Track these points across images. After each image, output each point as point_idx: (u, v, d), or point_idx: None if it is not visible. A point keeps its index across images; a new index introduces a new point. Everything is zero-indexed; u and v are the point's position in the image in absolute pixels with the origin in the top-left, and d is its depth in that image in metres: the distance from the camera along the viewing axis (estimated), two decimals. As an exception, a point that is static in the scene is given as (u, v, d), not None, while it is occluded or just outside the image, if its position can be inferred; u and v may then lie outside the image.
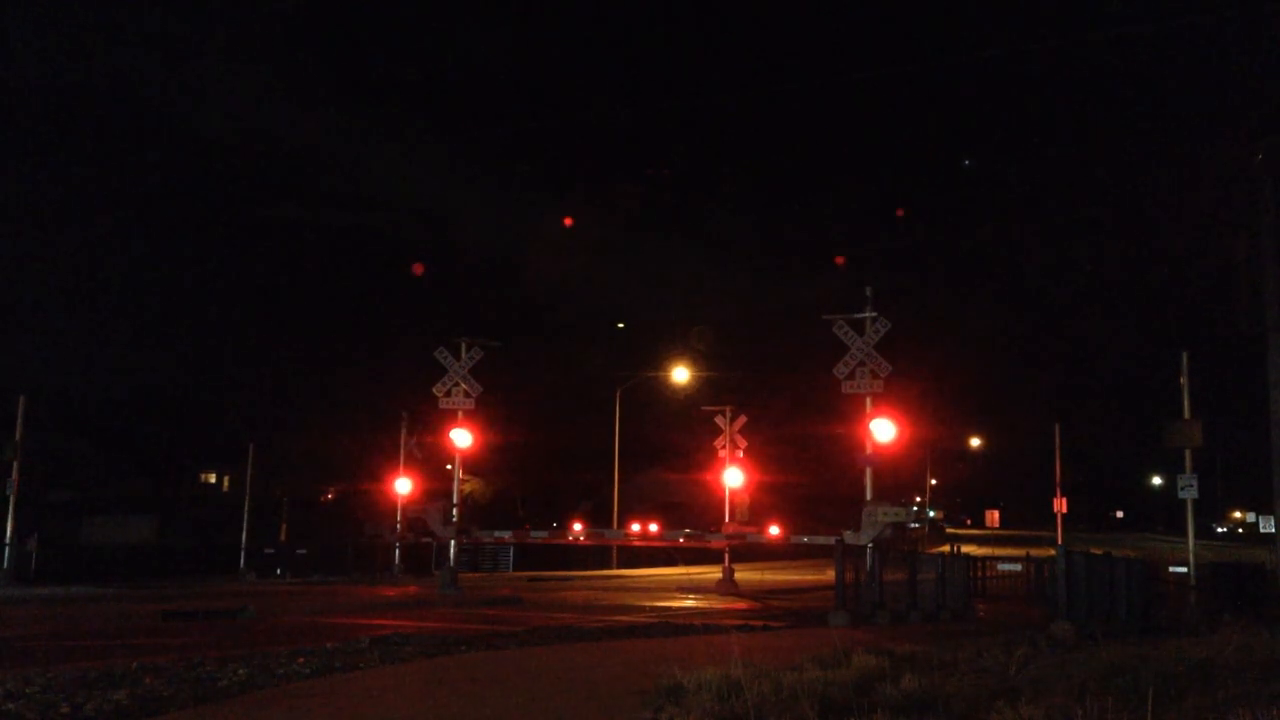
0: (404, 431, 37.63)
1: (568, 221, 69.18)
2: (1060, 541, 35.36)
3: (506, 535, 33.70)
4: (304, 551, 37.50)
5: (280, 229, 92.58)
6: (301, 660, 10.44)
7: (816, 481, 61.09)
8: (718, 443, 34.67)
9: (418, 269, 57.17)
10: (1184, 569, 26.13)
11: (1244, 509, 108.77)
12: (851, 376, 22.29)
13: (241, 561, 35.98)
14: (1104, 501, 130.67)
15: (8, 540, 29.25)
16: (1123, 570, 22.97)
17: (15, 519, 29.51)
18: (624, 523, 41.10)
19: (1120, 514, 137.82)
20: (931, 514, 79.59)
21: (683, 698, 7.17)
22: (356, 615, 19.51)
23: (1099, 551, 23.29)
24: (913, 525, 59.47)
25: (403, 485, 36.29)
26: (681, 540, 32.81)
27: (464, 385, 27.53)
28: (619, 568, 44.82)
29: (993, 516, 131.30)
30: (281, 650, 11.39)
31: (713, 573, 35.73)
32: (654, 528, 32.31)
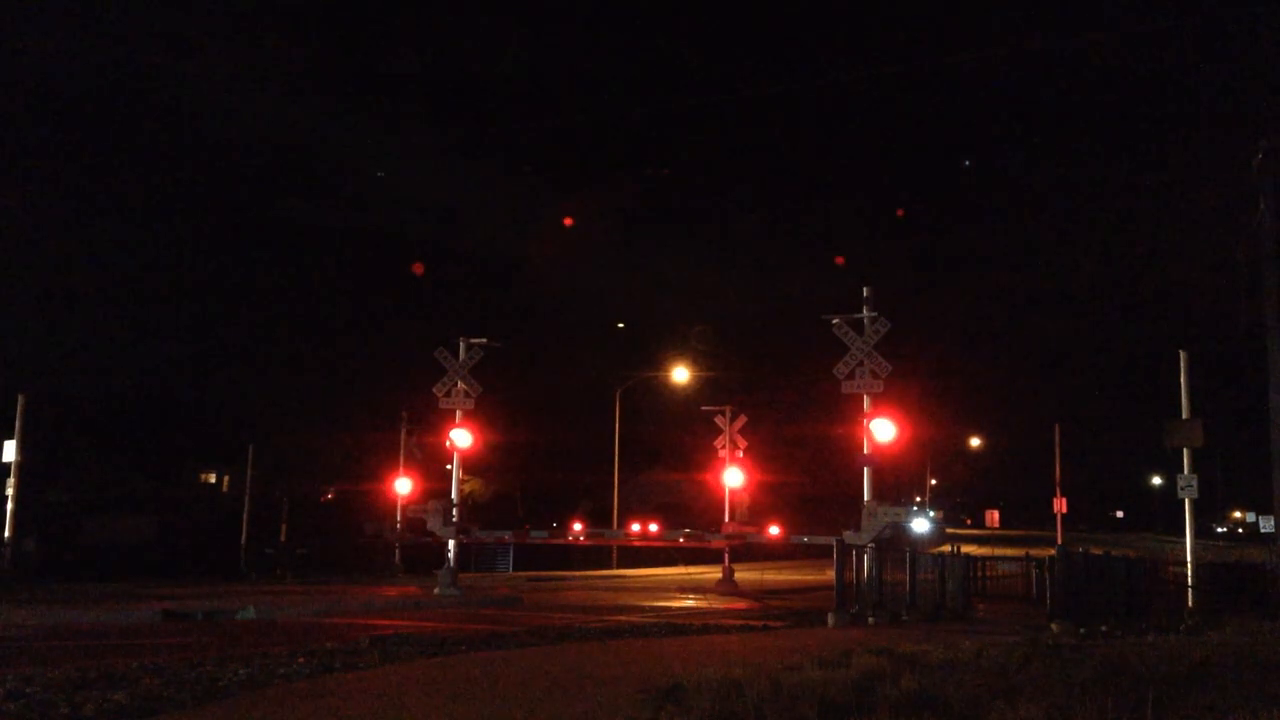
0: (404, 431, 37.65)
1: (568, 221, 69.20)
2: (1060, 541, 35.38)
3: (506, 535, 33.68)
4: (304, 551, 37.48)
5: (280, 228, 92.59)
6: (301, 660, 10.44)
7: (816, 481, 61.13)
8: (718, 443, 34.66)
9: (418, 269, 57.14)
10: (1184, 569, 26.11)
11: (1244, 509, 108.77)
12: (851, 376, 22.27)
13: (241, 561, 35.97)
14: (1104, 501, 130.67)
15: (7, 540, 29.24)
16: (1122, 570, 22.99)
17: (15, 519, 29.51)
18: (624, 523, 41.09)
19: (1120, 514, 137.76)
20: (931, 514, 79.47)
21: (683, 698, 7.17)
22: (356, 615, 19.50)
23: (1099, 551, 23.29)
24: (922, 531, 59.42)
25: (403, 485, 36.29)
26: (681, 540, 32.79)
27: (464, 385, 27.51)
28: (619, 568, 44.81)
29: (993, 516, 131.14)
30: (281, 650, 11.39)
31: (712, 573, 35.74)
32: (654, 528, 32.30)
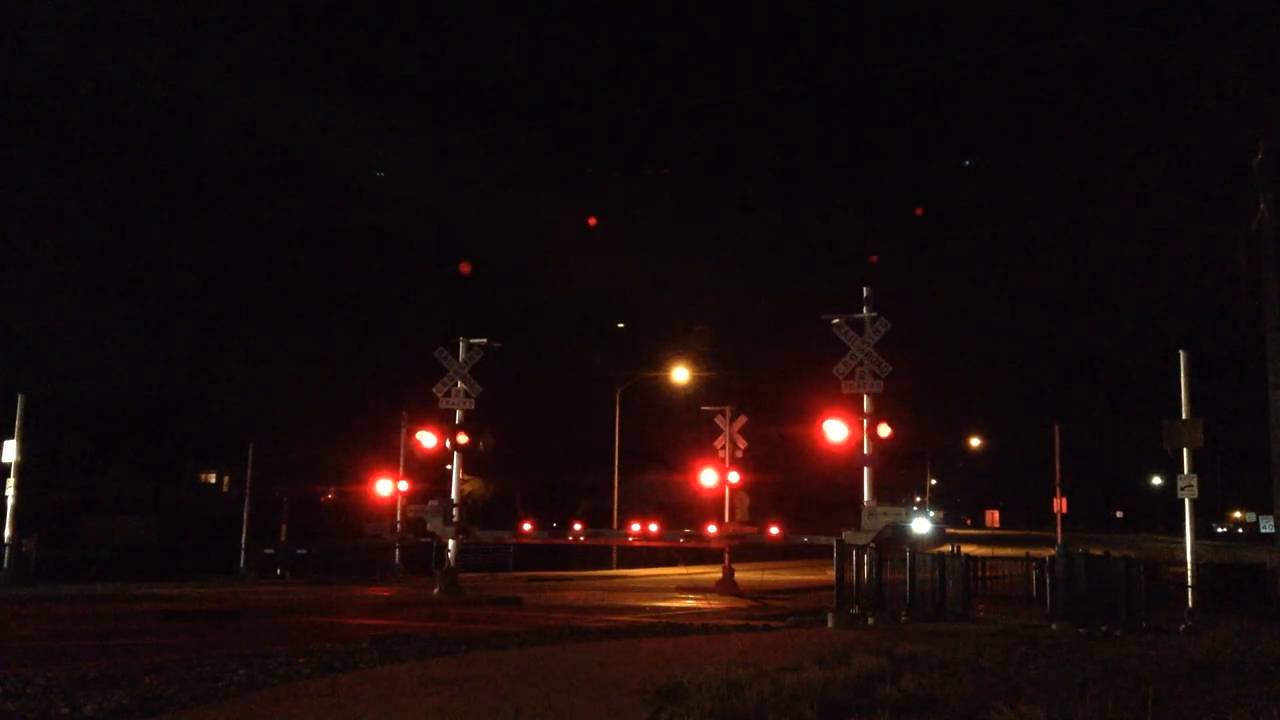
0: (404, 431, 37.62)
1: (569, 221, 69.33)
2: (1060, 541, 35.30)
3: (506, 535, 33.67)
4: (304, 552, 37.46)
5: (281, 228, 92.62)
6: (301, 660, 10.44)
7: (816, 481, 61.09)
8: (718, 443, 34.64)
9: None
10: (1184, 569, 26.06)
11: (1244, 509, 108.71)
12: (851, 376, 22.25)
13: (241, 562, 35.94)
14: (1104, 501, 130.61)
15: (7, 540, 29.22)
16: (1122, 570, 22.93)
17: (15, 519, 29.50)
18: (624, 523, 41.07)
19: (1120, 514, 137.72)
20: (931, 514, 79.42)
21: (683, 698, 7.17)
22: (356, 615, 19.50)
23: (1099, 551, 23.25)
24: (922, 531, 59.34)
25: (402, 485, 36.25)
26: (681, 540, 32.79)
27: (464, 385, 27.51)
28: (619, 568, 44.78)
29: (993, 516, 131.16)
30: (281, 650, 11.39)
31: (713, 573, 35.71)
32: (654, 528, 32.28)
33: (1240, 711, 6.27)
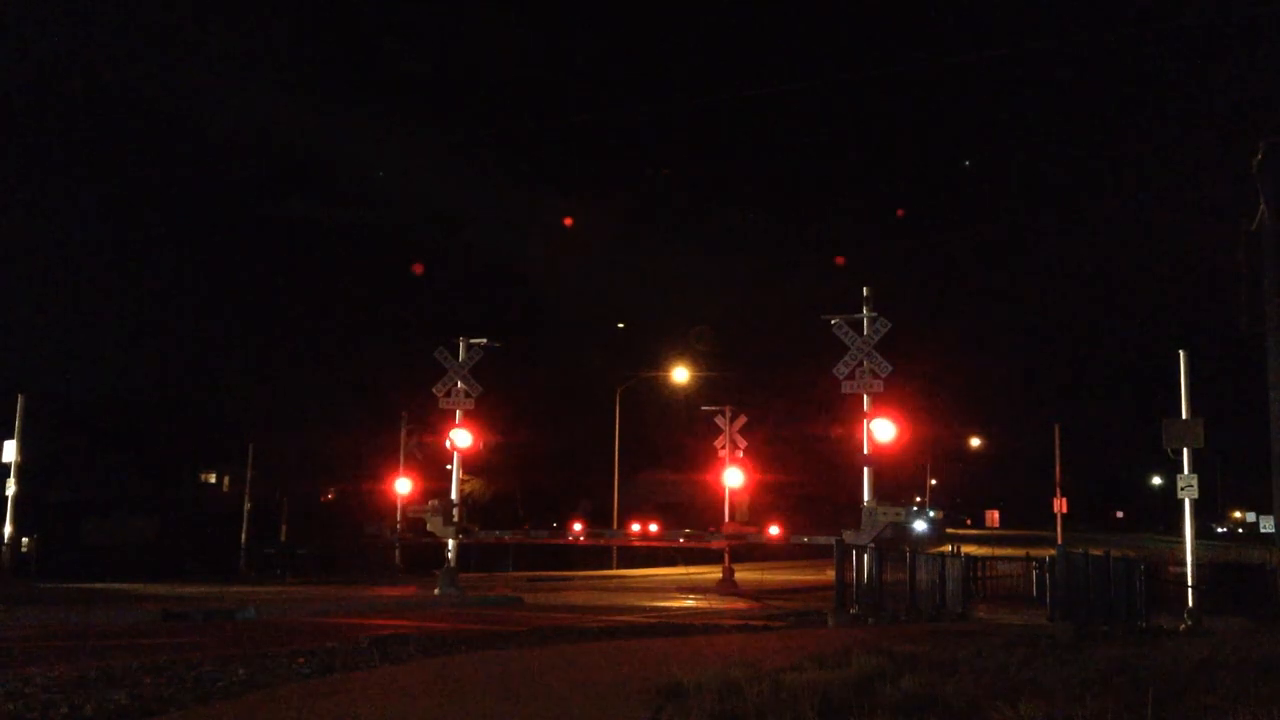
0: (404, 431, 37.65)
1: (568, 221, 69.34)
2: (1060, 542, 35.34)
3: (506, 535, 33.72)
4: (304, 551, 37.52)
5: (280, 227, 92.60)
6: (301, 660, 10.44)
7: (816, 481, 61.11)
8: (718, 443, 34.67)
9: (418, 268, 57.49)
10: (1184, 569, 26.08)
11: (1244, 509, 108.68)
12: (851, 376, 22.27)
13: (241, 561, 35.99)
14: (1104, 501, 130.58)
15: (7, 540, 29.25)
16: (1122, 570, 22.97)
17: (15, 519, 29.52)
18: (624, 523, 41.09)
19: (1120, 514, 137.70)
20: (931, 514, 79.44)
21: (683, 698, 7.16)
22: (356, 615, 19.51)
23: (1098, 552, 23.27)
24: (922, 530, 59.36)
25: (403, 485, 36.27)
26: (681, 540, 32.84)
27: (464, 385, 27.51)
28: (619, 568, 44.81)
29: (993, 516, 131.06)
30: (281, 650, 11.39)
31: (713, 573, 35.74)
32: (654, 528, 32.32)
33: (1240, 711, 6.27)
